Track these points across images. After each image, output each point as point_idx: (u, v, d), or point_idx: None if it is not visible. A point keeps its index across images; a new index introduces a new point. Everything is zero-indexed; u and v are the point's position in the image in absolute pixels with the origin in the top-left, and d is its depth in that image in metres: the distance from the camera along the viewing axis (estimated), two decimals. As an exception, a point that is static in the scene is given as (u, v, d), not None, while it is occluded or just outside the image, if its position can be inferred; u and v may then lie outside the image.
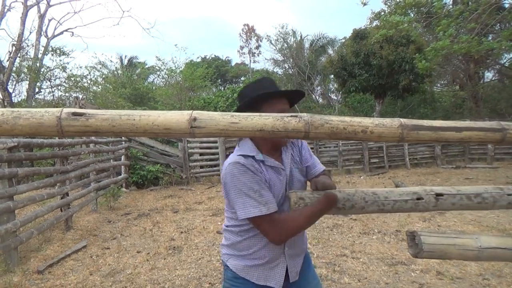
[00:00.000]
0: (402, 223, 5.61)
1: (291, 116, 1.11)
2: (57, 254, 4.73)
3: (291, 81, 25.73)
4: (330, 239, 5.03)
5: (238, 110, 1.51)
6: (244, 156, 1.54)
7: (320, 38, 26.92)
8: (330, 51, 26.60)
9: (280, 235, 1.45)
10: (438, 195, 1.39)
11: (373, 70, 15.97)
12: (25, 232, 4.66)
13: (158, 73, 23.90)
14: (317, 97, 28.45)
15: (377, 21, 19.73)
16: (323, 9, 59.33)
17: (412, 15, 14.11)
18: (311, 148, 12.71)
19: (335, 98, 27.33)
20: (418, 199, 1.38)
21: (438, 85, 24.78)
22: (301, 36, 27.63)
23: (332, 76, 22.37)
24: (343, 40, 25.13)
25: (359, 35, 17.69)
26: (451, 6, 11.28)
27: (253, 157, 1.55)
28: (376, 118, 1.14)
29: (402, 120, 1.14)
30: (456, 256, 1.38)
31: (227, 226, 1.68)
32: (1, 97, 16.54)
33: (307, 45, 27.61)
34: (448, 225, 5.52)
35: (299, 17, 57.94)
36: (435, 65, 12.24)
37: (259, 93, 1.56)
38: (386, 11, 17.32)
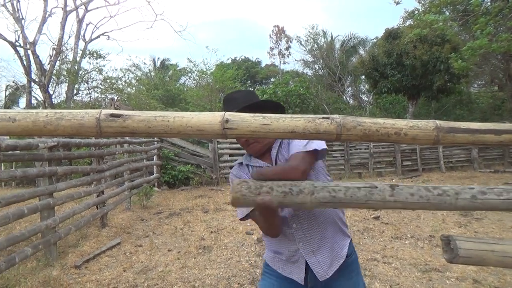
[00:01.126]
0: (436, 228, 5.44)
1: (323, 118, 1.11)
2: (93, 250, 4.91)
3: (321, 82, 25.51)
4: (361, 243, 4.94)
5: None
6: (238, 164, 1.73)
7: (351, 38, 26.56)
8: (362, 52, 26.16)
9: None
10: (394, 185, 1.35)
11: (406, 71, 15.57)
12: (63, 228, 4.87)
13: (190, 74, 24.33)
14: (347, 98, 28.05)
15: (410, 20, 19.22)
16: (355, 9, 58.46)
17: (448, 13, 13.66)
18: (341, 150, 12.57)
19: (366, 99, 26.85)
20: (372, 187, 1.33)
21: (475, 85, 23.82)
22: (331, 37, 27.37)
23: (363, 76, 22.00)
24: (375, 40, 24.66)
25: (391, 35, 17.29)
26: (489, 4, 10.81)
27: (244, 165, 1.69)
28: (410, 120, 1.12)
29: (438, 122, 1.11)
30: (494, 263, 1.33)
31: None
32: (43, 99, 17.35)
33: (337, 45, 27.30)
34: (485, 231, 5.30)
35: (330, 17, 57.35)
36: (472, 65, 11.78)
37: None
38: (420, 10, 16.85)
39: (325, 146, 1.55)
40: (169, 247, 5.06)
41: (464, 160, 13.39)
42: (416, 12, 16.54)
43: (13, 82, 26.84)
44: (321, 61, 26.82)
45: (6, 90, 28.95)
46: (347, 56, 26.34)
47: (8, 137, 6.44)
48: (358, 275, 1.72)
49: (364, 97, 27.57)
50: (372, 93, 21.56)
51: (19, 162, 8.38)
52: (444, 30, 11.95)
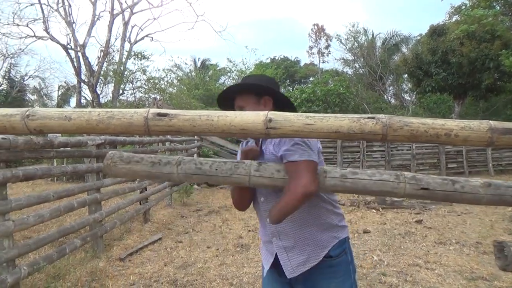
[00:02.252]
0: (483, 235, 5.17)
1: (368, 118, 1.09)
2: (136, 244, 5.10)
3: (361, 81, 24.94)
4: (402, 247, 4.79)
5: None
6: (246, 140, 1.73)
7: (393, 36, 25.74)
8: (404, 49, 25.31)
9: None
10: (262, 162, 1.40)
11: (452, 69, 14.88)
12: (109, 222, 5.09)
13: (229, 74, 24.63)
14: (389, 97, 27.23)
15: (457, 15, 18.38)
16: (397, 6, 56.59)
17: (498, 7, 12.93)
18: (382, 151, 12.22)
19: (409, 98, 25.95)
20: (239, 162, 1.34)
21: (529, 84, 22.33)
22: (372, 35, 26.68)
23: (406, 75, 21.27)
24: (419, 38, 23.76)
25: (436, 32, 16.60)
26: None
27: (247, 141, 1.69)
28: (461, 121, 1.07)
29: (492, 122, 1.06)
30: (552, 273, 1.25)
31: None
32: (91, 98, 18.22)
33: (379, 43, 26.57)
34: (540, 239, 4.97)
35: (371, 15, 55.82)
36: (526, 62, 11.05)
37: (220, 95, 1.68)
38: (468, 5, 16.07)
39: (315, 157, 1.42)
40: (208, 244, 5.16)
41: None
42: (464, 7, 15.81)
43: (65, 82, 28.42)
44: (362, 59, 26.22)
45: (58, 90, 30.71)
46: (389, 54, 25.56)
47: (60, 134, 6.82)
48: (346, 277, 1.59)
49: (407, 97, 26.66)
50: (415, 92, 20.82)
51: (70, 158, 8.85)
52: (494, 26, 11.33)
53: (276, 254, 1.59)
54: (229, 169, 1.32)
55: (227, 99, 1.64)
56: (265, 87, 1.60)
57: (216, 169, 1.32)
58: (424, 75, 15.84)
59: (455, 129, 1.05)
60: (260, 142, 1.61)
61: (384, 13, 56.11)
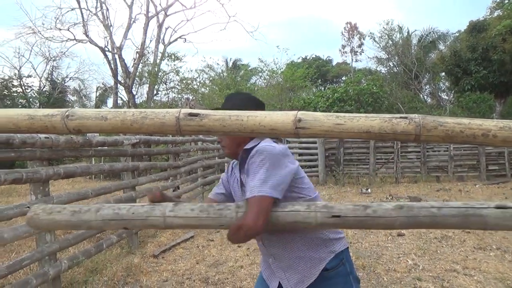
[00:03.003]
0: (525, 240, 4.90)
1: (401, 117, 1.06)
2: (169, 241, 5.22)
3: (395, 80, 24.29)
4: (438, 251, 4.63)
5: None
6: (233, 163, 1.73)
7: (429, 33, 24.89)
8: (442, 47, 24.42)
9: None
10: (178, 202, 1.31)
11: (493, 66, 14.21)
12: (143, 219, 5.24)
13: (260, 74, 24.66)
14: (425, 96, 26.37)
15: (499, 10, 17.55)
16: (434, 2, 54.66)
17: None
18: (417, 152, 11.84)
19: (446, 97, 25.01)
20: (155, 205, 1.30)
21: None
22: (408, 32, 25.92)
23: (443, 73, 20.54)
24: (457, 34, 22.87)
25: (476, 28, 15.92)
26: None
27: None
28: (501, 120, 1.02)
29: (534, 122, 1.01)
30: None
31: None
32: (127, 99, 18.82)
33: (414, 41, 25.77)
34: None
35: (407, 12, 54.35)
36: None
37: None
38: (512, -1, 15.31)
39: (286, 179, 1.36)
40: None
41: None
42: (506, 1, 15.06)
43: (102, 84, 29.56)
44: (396, 58, 25.54)
45: (96, 91, 31.98)
46: (425, 52, 24.74)
47: (98, 134, 7.08)
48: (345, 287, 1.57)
49: (444, 96, 25.73)
50: (453, 91, 20.05)
51: (107, 157, 9.18)
52: (541, 20, 10.69)
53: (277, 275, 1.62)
54: (145, 212, 1.30)
55: None
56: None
57: (133, 213, 1.29)
58: (463, 73, 15.23)
59: (494, 129, 1.01)
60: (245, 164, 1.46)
61: (420, 9, 54.38)
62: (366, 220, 1.19)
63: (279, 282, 1.58)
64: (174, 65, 18.82)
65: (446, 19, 56.30)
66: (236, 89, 20.43)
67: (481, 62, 14.54)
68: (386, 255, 4.53)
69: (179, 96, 19.28)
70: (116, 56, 19.76)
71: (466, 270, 3.97)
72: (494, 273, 3.87)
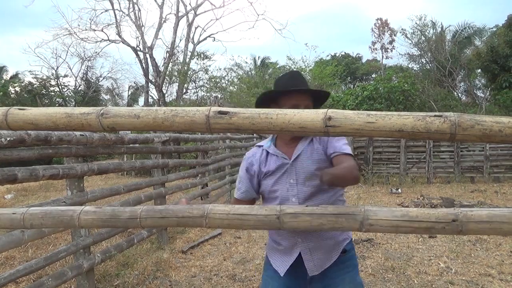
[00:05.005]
0: None
1: (435, 116, 1.03)
2: (197, 238, 5.30)
3: (428, 77, 23.54)
4: (472, 254, 4.47)
5: (256, 106, 1.66)
6: (257, 146, 1.77)
7: (465, 28, 23.92)
8: (478, 43, 23.42)
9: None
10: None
11: (535, 62, 13.52)
12: (172, 215, 5.34)
13: (288, 72, 24.55)
14: (459, 94, 25.42)
15: (542, 3, 16.66)
16: (471, -5, 52.54)
17: None
18: (451, 151, 11.43)
19: (482, 95, 23.96)
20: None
21: None
22: (442, 27, 25.04)
23: (479, 70, 19.73)
24: (494, 29, 21.87)
25: (516, 22, 15.18)
26: None
27: (261, 147, 1.74)
28: (542, 119, 0.98)
29: None
30: None
31: None
32: (157, 97, 19.22)
33: (448, 36, 24.86)
34: None
35: (441, 6, 52.51)
36: None
37: (266, 93, 1.75)
38: (556, -9, 14.49)
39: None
40: (266, 241, 5.18)
41: None
42: (550, -7, 14.28)
43: (134, 83, 30.35)
44: (429, 54, 24.72)
45: (128, 90, 32.86)
46: (460, 48, 23.81)
47: (129, 131, 7.28)
48: (355, 270, 1.77)
49: (480, 93, 24.67)
50: (489, 89, 19.21)
51: (138, 154, 9.42)
52: None
53: (297, 256, 1.68)
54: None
55: (271, 98, 1.71)
56: (324, 94, 1.77)
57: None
58: (500, 70, 14.60)
59: (535, 128, 0.96)
60: (299, 145, 1.67)
61: (455, 4, 52.42)
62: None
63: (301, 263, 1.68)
64: (203, 63, 19.09)
65: (483, 14, 54.07)
66: (265, 87, 20.44)
67: (521, 58, 13.89)
68: (417, 257, 4.41)
69: (208, 94, 19.50)
70: (147, 55, 20.22)
71: (502, 275, 3.81)
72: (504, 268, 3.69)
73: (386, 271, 4.01)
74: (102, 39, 21.58)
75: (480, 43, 22.80)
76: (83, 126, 1.32)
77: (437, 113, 1.04)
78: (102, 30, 20.99)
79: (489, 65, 14.90)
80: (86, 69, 26.93)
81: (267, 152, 1.72)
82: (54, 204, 2.88)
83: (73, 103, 23.43)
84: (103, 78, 28.94)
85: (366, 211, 1.20)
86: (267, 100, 1.70)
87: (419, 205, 7.10)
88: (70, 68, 26.56)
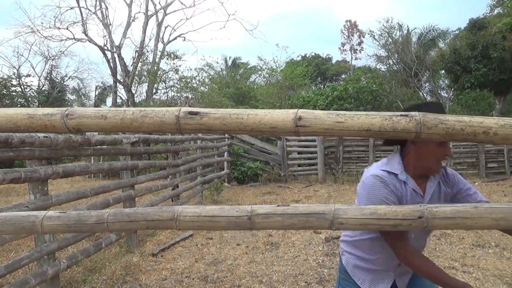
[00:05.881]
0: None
1: (401, 115, 1.06)
2: (168, 240, 5.21)
3: (395, 78, 24.25)
4: (437, 248, 4.64)
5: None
6: (388, 172, 1.54)
7: (429, 30, 24.78)
8: (442, 45, 24.34)
9: (406, 256, 1.49)
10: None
11: (493, 64, 14.22)
12: (142, 217, 5.23)
13: (260, 72, 24.67)
14: (424, 94, 26.33)
15: (499, 8, 17.54)
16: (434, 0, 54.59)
17: (546, -2, 12.23)
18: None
19: (446, 95, 24.92)
20: None
21: None
22: (408, 30, 25.85)
23: (443, 71, 20.52)
24: (457, 32, 22.82)
25: (476, 25, 15.92)
26: None
27: (396, 175, 1.54)
28: (501, 118, 1.02)
29: (535, 120, 1.01)
30: None
31: None
32: (126, 98, 18.79)
33: (414, 38, 25.70)
34: None
35: (407, 9, 54.27)
36: None
37: None
38: (512, -4, 15.29)
39: None
40: (238, 241, 5.20)
41: None
42: (507, -1, 15.05)
43: (102, 83, 29.55)
44: (396, 55, 25.46)
45: (95, 90, 31.96)
46: (425, 49, 24.66)
47: (97, 133, 7.08)
48: None
49: (443, 93, 25.65)
50: (452, 89, 20.03)
51: (106, 156, 9.17)
52: (541, 18, 10.68)
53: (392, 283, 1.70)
54: None
55: None
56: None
57: None
58: (462, 71, 15.24)
59: (494, 127, 1.01)
60: (429, 183, 1.60)
61: (420, 7, 54.33)
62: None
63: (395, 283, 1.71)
64: (174, 63, 18.82)
65: (446, 17, 56.36)
66: (236, 87, 20.43)
67: (481, 60, 14.55)
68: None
69: (179, 95, 19.25)
70: (115, 55, 19.72)
71: (464, 267, 3.98)
72: (492, 270, 3.87)
73: (356, 268, 4.09)
74: (67, 38, 20.86)
75: (443, 45, 23.71)
76: (46, 127, 1.27)
77: (403, 113, 1.07)
78: (67, 28, 20.30)
79: (452, 67, 15.52)
80: (50, 69, 25.94)
81: (404, 183, 1.56)
82: (16, 210, 2.76)
83: (36, 104, 22.52)
84: (69, 78, 27.99)
85: (336, 210, 1.21)
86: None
87: (387, 203, 7.30)
88: (33, 68, 25.53)
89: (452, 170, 1.66)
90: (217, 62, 26.53)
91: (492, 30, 14.32)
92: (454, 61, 15.39)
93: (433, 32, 24.86)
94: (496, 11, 17.56)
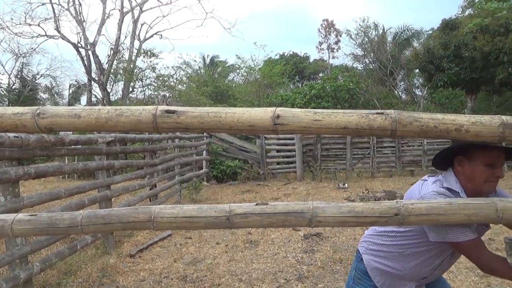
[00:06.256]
0: (496, 231, 5.09)
1: (377, 113, 1.07)
2: (146, 240, 5.14)
3: (371, 77, 24.71)
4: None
5: (447, 149, 1.63)
6: (450, 190, 1.53)
7: (404, 30, 25.41)
8: (416, 44, 24.96)
9: (489, 266, 1.47)
10: None
11: (465, 63, 14.64)
12: (119, 218, 5.14)
13: (238, 71, 24.62)
14: (399, 93, 26.95)
15: (470, 9, 18.12)
16: (408, 0, 55.85)
17: (513, 0, 12.69)
18: (392, 147, 12.12)
19: (420, 93, 25.61)
20: None
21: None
22: (383, 29, 26.39)
23: (417, 70, 21.01)
24: (430, 32, 23.44)
25: (449, 26, 16.35)
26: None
27: (458, 193, 1.53)
28: (473, 116, 1.05)
29: (504, 117, 1.04)
30: None
31: (395, 230, 1.67)
32: (101, 96, 18.39)
33: (390, 38, 26.27)
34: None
35: (382, 9, 55.25)
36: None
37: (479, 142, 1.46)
38: (482, -2, 15.80)
39: None
40: (217, 240, 5.18)
41: (530, 159, 12.37)
42: (477, 0, 15.54)
43: (76, 81, 28.82)
44: (372, 54, 25.96)
45: (69, 89, 31.14)
46: (400, 49, 25.27)
47: (71, 132, 6.90)
48: None
49: (418, 92, 26.34)
50: (426, 87, 20.59)
51: (81, 156, 8.96)
52: (509, 19, 11.10)
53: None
54: None
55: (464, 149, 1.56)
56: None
57: None
58: (436, 70, 15.62)
59: (466, 124, 1.04)
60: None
61: (395, 7, 55.50)
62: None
63: None
64: (150, 61, 18.54)
65: (420, 17, 57.76)
66: (214, 86, 20.33)
67: (453, 59, 14.95)
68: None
69: (156, 93, 18.99)
70: (90, 52, 19.26)
71: (439, 262, 4.09)
72: (465, 262, 3.99)
73: (334, 263, 4.15)
74: (39, 35, 20.22)
75: (418, 44, 24.30)
76: (16, 127, 1.22)
77: (379, 111, 1.09)
78: (38, 25, 19.67)
79: (426, 66, 15.89)
80: (21, 66, 25.14)
81: None
82: (-14, 212, 2.66)
83: (7, 103, 21.76)
84: (41, 76, 27.19)
85: (315, 208, 1.22)
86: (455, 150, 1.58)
87: (364, 199, 7.43)
88: (2, 65, 24.67)
89: (502, 190, 1.64)
90: (195, 61, 26.35)
91: (463, 30, 14.74)
92: (428, 60, 15.76)
93: (407, 32, 25.47)
94: (467, 12, 18.12)
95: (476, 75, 14.62)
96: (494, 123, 1.04)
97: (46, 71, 27.39)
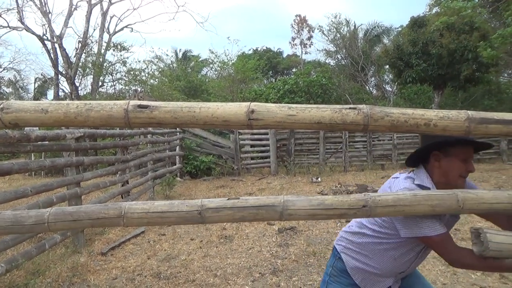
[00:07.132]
0: (461, 221, 5.31)
1: (350, 108, 1.09)
2: (118, 238, 5.04)
3: (343, 72, 25.11)
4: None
5: (421, 148, 1.63)
6: (421, 186, 1.56)
7: (375, 27, 25.95)
8: (386, 41, 25.55)
9: (458, 259, 1.51)
10: None
11: (432, 60, 15.13)
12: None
13: (211, 65, 24.41)
14: (370, 88, 27.52)
15: (437, 7, 18.66)
16: (379, -3, 56.96)
17: (477, 0, 13.17)
18: (364, 141, 12.40)
19: (390, 89, 26.23)
20: None
21: (506, 75, 22.89)
22: (354, 26, 26.82)
23: (387, 66, 21.52)
24: (400, 29, 24.02)
25: (417, 23, 16.81)
26: (522, -11, 10.34)
27: (428, 189, 1.54)
28: (440, 111, 1.09)
29: (470, 112, 1.08)
30: (526, 258, 1.29)
31: (369, 229, 1.70)
32: (69, 91, 17.80)
33: (361, 34, 26.75)
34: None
35: (354, 6, 56.14)
36: (502, 54, 11.33)
37: (449, 137, 1.51)
38: (448, -3, 16.30)
39: None
40: (192, 236, 5.15)
41: (492, 152, 12.97)
42: (443, -1, 16.01)
43: (41, 74, 27.73)
44: (344, 50, 26.34)
45: (35, 83, 29.97)
46: (371, 45, 25.78)
47: (37, 128, 6.66)
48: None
49: (388, 87, 26.97)
50: (396, 83, 21.11)
51: (48, 152, 8.65)
52: (473, 18, 11.54)
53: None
54: None
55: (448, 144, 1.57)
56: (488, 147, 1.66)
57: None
58: (405, 66, 16.05)
59: (434, 119, 1.07)
60: None
61: (366, 4, 56.50)
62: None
63: None
64: (121, 55, 18.07)
65: (390, 14, 59.03)
66: (187, 80, 20.07)
67: (421, 56, 15.40)
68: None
69: (127, 88, 18.55)
70: (56, 45, 18.55)
71: (408, 252, 4.22)
72: (432, 252, 4.15)
73: (308, 257, 4.21)
74: (1, 26, 19.30)
75: (388, 41, 24.88)
76: (-22, 122, 1.16)
77: (351, 106, 1.10)
78: (0, 16, 18.77)
79: (395, 62, 16.29)
80: (-18, 59, 23.93)
81: None
82: None
83: (-32, 97, 20.70)
84: (4, 69, 26.00)
85: (286, 201, 1.23)
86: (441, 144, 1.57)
87: (337, 192, 7.57)
88: (-39, 57, 23.42)
89: (471, 182, 1.69)
90: (167, 55, 25.90)
91: (431, 28, 15.18)
92: (397, 57, 16.17)
93: (378, 29, 26.03)
94: (434, 10, 18.64)
95: (442, 72, 15.14)
96: (461, 118, 1.08)
97: (9, 64, 26.24)
